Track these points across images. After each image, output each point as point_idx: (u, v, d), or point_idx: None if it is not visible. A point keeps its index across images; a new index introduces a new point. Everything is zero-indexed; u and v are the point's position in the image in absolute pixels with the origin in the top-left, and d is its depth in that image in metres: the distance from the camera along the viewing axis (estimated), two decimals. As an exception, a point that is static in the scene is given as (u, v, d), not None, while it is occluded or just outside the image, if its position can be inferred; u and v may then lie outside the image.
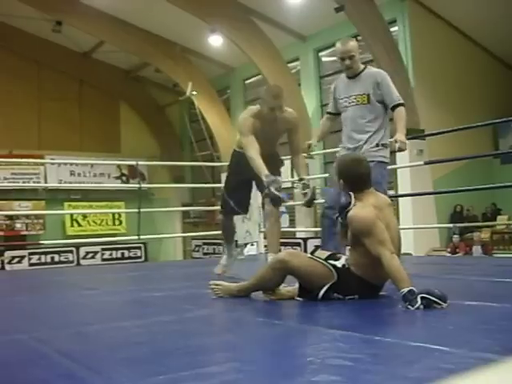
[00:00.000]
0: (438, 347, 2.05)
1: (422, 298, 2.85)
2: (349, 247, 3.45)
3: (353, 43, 4.43)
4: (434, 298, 2.84)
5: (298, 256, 3.49)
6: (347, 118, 4.53)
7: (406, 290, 2.92)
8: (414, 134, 12.23)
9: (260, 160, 4.40)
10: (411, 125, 12.92)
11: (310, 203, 4.56)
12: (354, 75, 4.46)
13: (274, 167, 4.60)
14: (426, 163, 8.93)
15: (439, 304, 2.84)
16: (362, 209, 3.24)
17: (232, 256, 5.32)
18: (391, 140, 4.41)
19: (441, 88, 14.23)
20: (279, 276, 3.38)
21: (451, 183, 12.02)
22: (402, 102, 4.43)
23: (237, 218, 4.84)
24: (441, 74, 14.22)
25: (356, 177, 3.36)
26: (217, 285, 3.66)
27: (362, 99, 4.41)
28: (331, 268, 3.29)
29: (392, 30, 14.02)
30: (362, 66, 4.49)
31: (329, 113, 4.84)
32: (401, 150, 4.33)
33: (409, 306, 2.86)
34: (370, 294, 3.33)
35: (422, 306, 2.84)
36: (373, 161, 4.13)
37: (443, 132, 8.14)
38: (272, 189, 4.21)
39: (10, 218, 18.88)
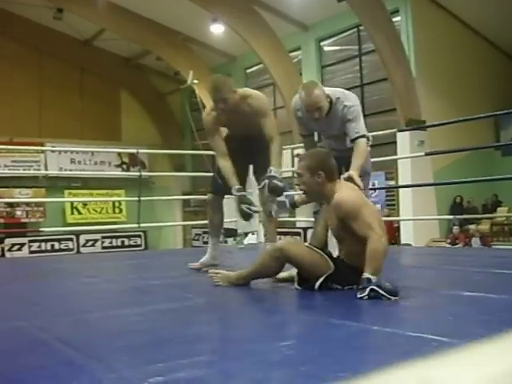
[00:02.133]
0: (436, 337, 2.05)
1: (371, 289, 2.90)
2: (336, 241, 3.45)
3: (317, 92, 3.92)
4: (382, 292, 2.87)
5: (296, 245, 3.50)
6: (328, 140, 4.34)
7: (366, 276, 2.98)
8: (415, 124, 12.25)
9: (229, 170, 4.36)
10: (413, 115, 12.96)
11: (271, 195, 4.06)
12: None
13: (258, 155, 4.45)
14: (426, 154, 8.93)
15: (388, 298, 2.87)
16: (348, 193, 3.26)
17: (215, 252, 5.05)
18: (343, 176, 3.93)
19: (442, 79, 14.21)
20: (278, 264, 3.38)
21: (452, 174, 12.02)
22: (362, 134, 4.02)
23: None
24: (443, 64, 14.19)
25: (333, 167, 3.38)
26: (216, 273, 3.66)
27: (338, 137, 4.18)
28: (327, 258, 3.29)
29: (394, 20, 13.97)
30: (327, 105, 4.02)
31: (303, 136, 4.43)
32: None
33: (358, 294, 2.93)
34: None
35: (366, 297, 2.89)
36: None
37: (444, 123, 8.15)
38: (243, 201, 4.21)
39: (11, 205, 18.91)
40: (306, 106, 3.98)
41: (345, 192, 3.27)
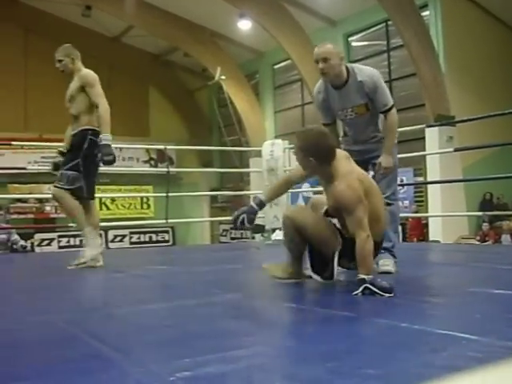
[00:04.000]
0: (465, 335, 2.03)
1: (365, 287, 2.96)
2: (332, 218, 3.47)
3: (329, 46, 4.00)
4: (375, 289, 2.93)
5: (301, 212, 3.56)
6: (348, 128, 4.28)
7: (361, 277, 3.02)
8: (444, 120, 12.13)
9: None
10: (442, 111, 12.83)
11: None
12: (339, 85, 4.08)
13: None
14: (455, 150, 8.85)
15: (381, 295, 2.91)
16: (349, 186, 3.16)
17: (97, 245, 5.07)
18: (376, 162, 4.00)
19: (472, 74, 14.04)
20: (295, 234, 3.40)
21: (481, 171, 11.90)
22: (388, 106, 4.00)
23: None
24: (473, 59, 14.02)
25: (328, 149, 3.27)
26: (269, 267, 3.66)
27: (360, 110, 4.08)
28: (334, 227, 3.35)
29: (423, 14, 13.82)
30: (346, 75, 4.03)
31: (326, 124, 4.27)
32: (385, 173, 3.96)
33: (353, 292, 2.99)
34: (375, 252, 3.34)
35: (360, 294, 2.96)
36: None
37: (474, 118, 8.05)
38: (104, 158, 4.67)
39: (40, 201, 19.10)
40: (315, 55, 4.01)
41: (344, 183, 3.17)
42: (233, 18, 16.59)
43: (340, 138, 4.39)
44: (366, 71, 4.06)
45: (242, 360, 1.82)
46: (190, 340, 2.10)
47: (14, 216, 18.47)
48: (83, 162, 4.80)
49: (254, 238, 11.21)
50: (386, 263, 3.96)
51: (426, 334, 2.15)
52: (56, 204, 19.03)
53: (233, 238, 19.53)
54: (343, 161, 3.35)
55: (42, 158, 19.06)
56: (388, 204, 3.82)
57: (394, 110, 4.02)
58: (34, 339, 2.27)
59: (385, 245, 3.99)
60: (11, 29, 18.37)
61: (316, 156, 3.24)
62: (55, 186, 4.87)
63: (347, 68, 4.05)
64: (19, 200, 18.73)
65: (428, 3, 14.26)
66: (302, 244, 3.45)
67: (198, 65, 19.83)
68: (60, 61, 4.93)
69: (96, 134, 4.82)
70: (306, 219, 3.39)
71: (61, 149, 5.04)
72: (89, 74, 4.91)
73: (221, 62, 17.59)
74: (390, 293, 2.92)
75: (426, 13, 14.18)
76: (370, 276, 3.02)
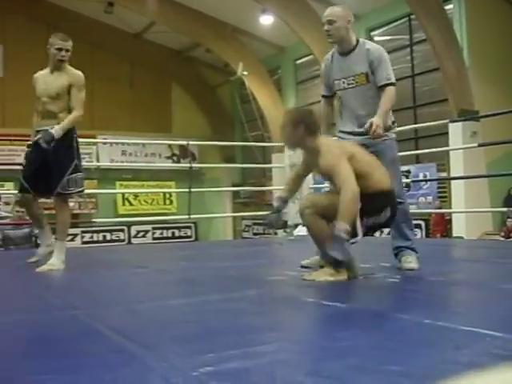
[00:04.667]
0: (489, 332, 2.01)
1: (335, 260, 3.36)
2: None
3: (338, 9, 4.04)
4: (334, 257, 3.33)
5: (313, 197, 3.73)
6: (348, 100, 4.16)
7: (341, 228, 3.29)
8: (467, 115, 12.02)
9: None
10: (465, 106, 12.72)
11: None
12: (346, 51, 4.07)
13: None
14: (479, 145, 8.76)
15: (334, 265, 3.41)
16: (328, 151, 3.50)
17: (47, 244, 4.99)
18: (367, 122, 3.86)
19: (497, 68, 13.87)
20: (319, 219, 3.51)
21: (506, 166, 11.76)
22: (392, 81, 3.98)
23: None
24: (497, 53, 13.85)
25: (315, 123, 3.62)
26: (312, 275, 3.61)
27: (360, 79, 4.02)
28: None
29: (446, 8, 13.68)
30: (354, 41, 4.05)
31: (324, 96, 4.35)
32: (376, 137, 3.82)
33: (330, 252, 3.34)
34: (389, 201, 3.55)
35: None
36: (387, 139, 3.98)
37: (498, 113, 7.97)
38: (40, 141, 4.48)
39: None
40: (324, 16, 4.08)
41: (324, 150, 3.51)
42: (255, 13, 16.56)
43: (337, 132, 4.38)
44: (375, 44, 4.14)
45: (265, 355, 1.82)
46: (213, 335, 2.11)
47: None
48: (78, 161, 4.76)
49: (276, 233, 11.20)
50: (409, 260, 3.95)
51: (449, 331, 2.13)
52: (80, 200, 19.22)
53: (255, 234, 19.54)
54: (327, 138, 3.73)
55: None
56: (399, 203, 3.78)
57: (394, 88, 3.96)
58: (58, 334, 2.29)
59: (403, 244, 4.02)
60: (35, 26, 18.50)
61: (305, 126, 3.55)
62: (64, 193, 4.71)
63: (358, 39, 4.10)
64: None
65: (451, -3, 14.13)
66: (327, 227, 3.50)
67: (220, 60, 19.85)
68: (68, 51, 4.71)
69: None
70: (321, 199, 3.62)
71: (29, 142, 4.78)
72: (81, 76, 4.72)
73: (243, 57, 17.59)
74: (339, 266, 3.39)
75: (449, 6, 14.03)
76: (345, 228, 3.27)
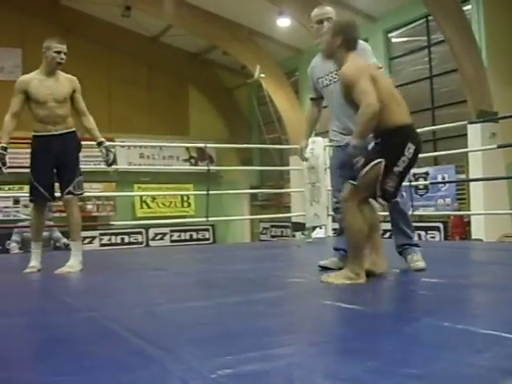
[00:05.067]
0: (510, 336, 1.99)
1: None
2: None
3: (330, 10, 4.22)
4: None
5: (351, 188, 3.51)
6: (332, 95, 4.18)
7: (354, 142, 3.34)
8: (486, 116, 11.94)
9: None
10: (484, 107, 12.63)
11: (112, 164, 5.30)
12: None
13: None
14: (499, 147, 8.69)
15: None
16: (351, 65, 3.49)
17: (39, 255, 4.73)
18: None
19: (516, 69, 13.78)
20: (358, 212, 3.45)
21: (525, 167, 11.69)
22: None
23: (305, 201, 4.62)
24: (516, 54, 13.76)
25: (354, 37, 3.62)
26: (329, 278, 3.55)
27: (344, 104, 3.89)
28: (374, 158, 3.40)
29: (465, 8, 13.60)
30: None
31: (311, 99, 4.52)
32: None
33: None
34: (409, 136, 3.44)
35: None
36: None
37: (517, 114, 7.92)
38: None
39: (82, 199, 19.28)
40: (317, 15, 4.23)
41: (350, 63, 3.51)
42: (271, 15, 16.57)
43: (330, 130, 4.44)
44: (362, 42, 4.05)
45: (283, 358, 1.82)
46: (231, 338, 2.11)
47: (57, 214, 18.77)
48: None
49: (294, 236, 11.20)
50: (415, 258, 3.94)
51: (469, 334, 2.11)
52: (98, 202, 19.28)
53: (273, 236, 19.53)
54: (357, 56, 3.64)
55: (84, 157, 19.24)
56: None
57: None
58: (76, 335, 2.31)
59: (406, 241, 4.03)
60: (53, 30, 18.61)
61: (343, 38, 3.56)
62: (74, 193, 4.90)
63: None
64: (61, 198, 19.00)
65: (469, -3, 14.04)
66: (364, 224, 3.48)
67: (237, 63, 19.87)
68: (65, 53, 4.69)
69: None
70: (358, 185, 3.47)
71: (4, 145, 4.65)
72: (77, 80, 4.84)
73: (260, 59, 17.60)
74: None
75: (467, 7, 13.95)
76: (359, 141, 3.32)
